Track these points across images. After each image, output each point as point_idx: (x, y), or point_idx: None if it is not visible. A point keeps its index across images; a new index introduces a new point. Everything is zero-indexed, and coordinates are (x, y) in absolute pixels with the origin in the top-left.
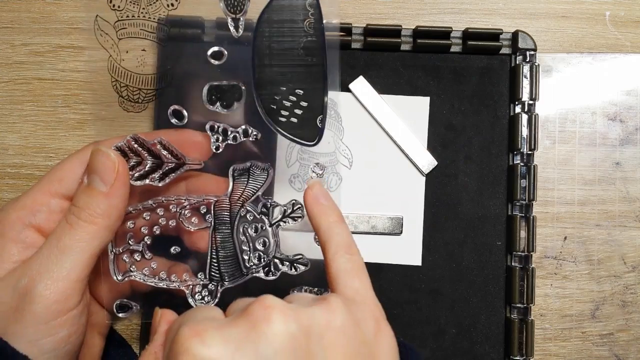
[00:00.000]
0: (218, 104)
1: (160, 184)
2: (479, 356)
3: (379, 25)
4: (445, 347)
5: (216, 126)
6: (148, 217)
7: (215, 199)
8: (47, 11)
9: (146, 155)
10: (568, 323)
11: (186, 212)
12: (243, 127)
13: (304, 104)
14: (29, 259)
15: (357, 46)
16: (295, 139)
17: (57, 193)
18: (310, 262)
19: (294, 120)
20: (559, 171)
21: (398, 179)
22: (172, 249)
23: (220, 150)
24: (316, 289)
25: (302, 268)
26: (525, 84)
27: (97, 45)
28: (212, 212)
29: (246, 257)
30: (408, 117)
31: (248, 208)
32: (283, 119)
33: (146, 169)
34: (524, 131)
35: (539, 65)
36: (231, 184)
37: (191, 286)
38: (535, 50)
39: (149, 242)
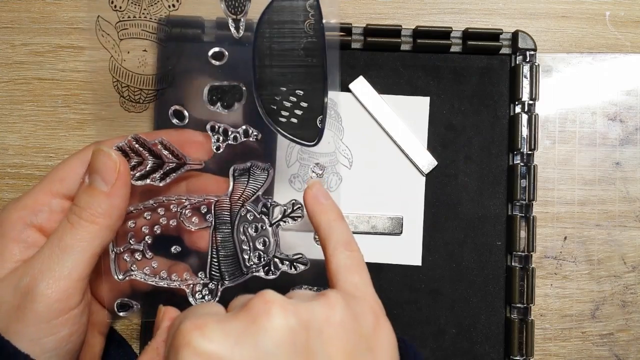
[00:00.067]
0: (219, 104)
1: (161, 184)
2: (479, 356)
3: (379, 25)
4: (445, 347)
5: (217, 126)
6: (149, 217)
7: (216, 199)
8: (47, 11)
9: (147, 155)
10: (568, 323)
11: (187, 211)
12: (243, 127)
13: (304, 104)
14: (30, 258)
15: (357, 46)
16: (295, 139)
17: (58, 193)
18: (310, 262)
19: (294, 120)
20: (559, 171)
21: (398, 179)
22: (172, 249)
23: (221, 150)
24: (315, 287)
25: (301, 267)
26: (525, 84)
27: (98, 45)
28: (213, 211)
29: (246, 257)
30: (408, 117)
31: (248, 208)
32: (283, 120)
33: (147, 168)
34: (524, 131)
35: (539, 65)
36: (232, 183)
37: (192, 285)
38: (535, 50)
39: (149, 242)
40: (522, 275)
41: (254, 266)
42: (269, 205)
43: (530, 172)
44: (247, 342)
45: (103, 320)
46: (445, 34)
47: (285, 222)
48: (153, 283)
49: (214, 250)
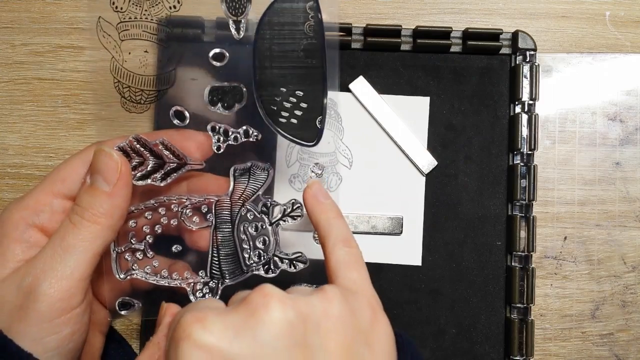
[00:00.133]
0: (219, 105)
1: (162, 184)
2: (479, 356)
3: (379, 25)
4: (445, 347)
5: (217, 127)
6: (150, 217)
7: (217, 199)
8: (47, 11)
9: (148, 155)
10: (568, 323)
11: (188, 211)
12: (244, 127)
13: (303, 105)
14: (32, 258)
15: (357, 46)
16: (295, 139)
17: (60, 193)
18: (309, 262)
19: (294, 121)
20: (559, 171)
21: (398, 179)
22: (173, 248)
23: (222, 150)
24: (315, 285)
25: (301, 266)
26: (525, 84)
27: (98, 45)
28: (214, 211)
29: (246, 255)
30: (408, 117)
31: (248, 207)
32: (283, 120)
33: (148, 169)
34: (524, 131)
35: (539, 65)
36: (232, 183)
37: (192, 284)
38: (535, 50)
39: (150, 241)
40: (522, 275)
41: (254, 265)
42: (269, 204)
43: (530, 172)
44: (245, 335)
45: (103, 319)
46: (445, 34)
47: (285, 221)
48: (154, 282)
49: (214, 249)
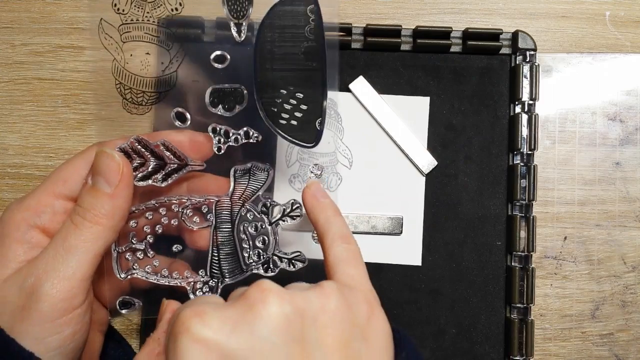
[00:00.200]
0: (220, 106)
1: (162, 185)
2: (479, 356)
3: (379, 25)
4: (445, 347)
5: (218, 128)
6: (150, 217)
7: (217, 199)
8: (47, 11)
9: (149, 156)
10: (568, 323)
11: (188, 211)
12: (244, 129)
13: (303, 107)
14: (34, 259)
15: (357, 46)
16: (294, 140)
17: (61, 194)
18: (308, 262)
19: (294, 122)
20: (559, 171)
21: (398, 179)
22: (174, 247)
23: (222, 151)
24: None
25: (299, 265)
26: (525, 84)
27: (98, 45)
28: (214, 211)
29: (246, 255)
30: (408, 117)
31: (248, 207)
32: (283, 122)
33: (149, 169)
34: (524, 131)
35: (539, 65)
36: (232, 184)
37: (192, 283)
38: (535, 50)
39: (151, 241)
40: (522, 275)
41: (253, 264)
42: (269, 204)
43: (530, 172)
44: (243, 329)
45: (102, 319)
46: (445, 34)
47: (284, 221)
48: (154, 281)
49: (214, 248)
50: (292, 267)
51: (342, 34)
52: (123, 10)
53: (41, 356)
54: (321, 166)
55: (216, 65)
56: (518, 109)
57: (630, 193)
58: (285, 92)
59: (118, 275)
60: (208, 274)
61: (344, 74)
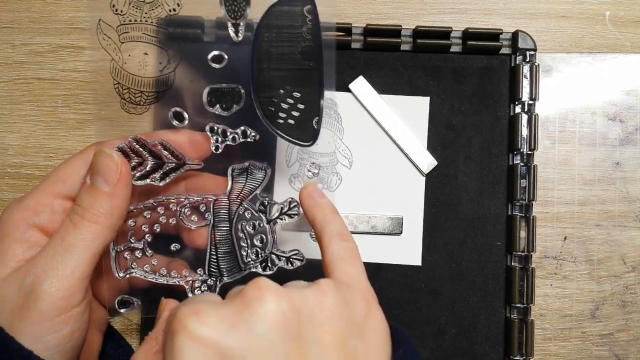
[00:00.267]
0: (218, 106)
1: (160, 184)
2: (479, 356)
3: (379, 25)
4: (445, 347)
5: (216, 127)
6: (149, 216)
7: (215, 198)
8: (47, 11)
9: (147, 155)
10: (568, 323)
11: (186, 210)
12: (242, 128)
13: (301, 106)
14: (33, 258)
15: (357, 46)
16: (292, 139)
17: (60, 194)
18: (306, 261)
19: (291, 121)
20: (559, 171)
21: (398, 179)
22: (172, 246)
23: (220, 150)
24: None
25: (297, 263)
26: (525, 84)
27: (98, 45)
28: (212, 210)
29: (244, 253)
30: (408, 117)
31: (246, 206)
32: (281, 121)
33: (147, 169)
34: (524, 131)
35: (539, 65)
36: (230, 183)
37: (191, 282)
38: (535, 50)
39: (149, 240)
40: (522, 275)
41: (251, 262)
42: (267, 203)
43: (530, 172)
44: (240, 327)
45: (101, 318)
46: (445, 34)
47: (282, 219)
48: (153, 280)
49: (212, 247)
50: (290, 265)
51: (341, 34)
52: (121, 11)
53: (40, 354)
54: (318, 165)
55: (214, 65)
56: (518, 109)
57: (630, 193)
58: (282, 91)
59: (116, 274)
60: (206, 272)
61: (344, 74)
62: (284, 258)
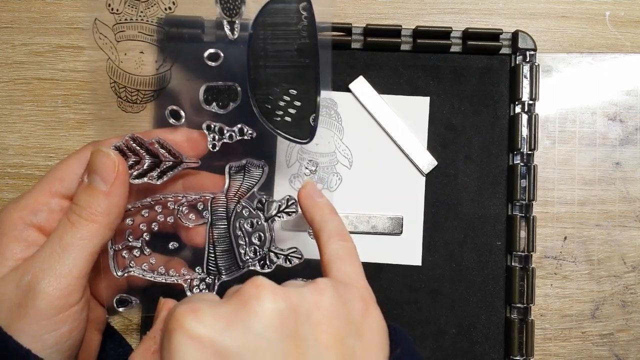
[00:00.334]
0: (214, 104)
1: (158, 182)
2: (479, 356)
3: (379, 25)
4: (445, 347)
5: (212, 125)
6: (146, 214)
7: (212, 196)
8: (47, 11)
9: (144, 154)
10: (568, 323)
11: (184, 208)
12: (239, 126)
13: (297, 103)
14: (31, 257)
15: (357, 46)
16: (288, 137)
17: (57, 193)
18: (305, 260)
19: (288, 119)
20: (559, 171)
21: (398, 179)
22: (170, 245)
23: (217, 148)
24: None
25: (296, 261)
26: (525, 84)
27: (96, 45)
28: (209, 208)
29: (242, 251)
30: (408, 117)
31: (244, 204)
32: (277, 118)
33: (144, 167)
34: (524, 131)
35: (539, 65)
36: (227, 181)
37: (189, 280)
38: (535, 50)
39: (147, 239)
40: (522, 275)
41: (250, 260)
42: (264, 201)
43: (530, 172)
44: (237, 325)
45: (100, 317)
46: (445, 34)
47: (280, 217)
48: (151, 279)
49: (210, 245)
50: (288, 263)
51: (341, 33)
52: (117, 10)
53: (38, 353)
54: (315, 162)
55: (210, 63)
56: (518, 109)
57: (630, 193)
58: (278, 89)
59: (115, 273)
60: (205, 271)
61: (344, 74)
62: (282, 256)
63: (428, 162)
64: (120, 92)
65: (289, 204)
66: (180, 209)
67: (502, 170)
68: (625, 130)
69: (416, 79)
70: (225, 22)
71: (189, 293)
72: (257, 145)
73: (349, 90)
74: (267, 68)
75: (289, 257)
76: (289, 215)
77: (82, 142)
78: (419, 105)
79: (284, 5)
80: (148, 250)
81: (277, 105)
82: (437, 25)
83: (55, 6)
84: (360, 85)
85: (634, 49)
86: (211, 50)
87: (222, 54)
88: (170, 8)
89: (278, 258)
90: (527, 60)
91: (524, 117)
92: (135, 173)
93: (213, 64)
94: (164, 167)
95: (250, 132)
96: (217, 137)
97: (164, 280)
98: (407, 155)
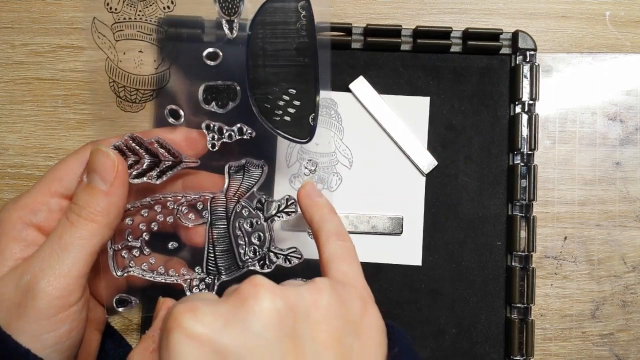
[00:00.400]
0: (213, 103)
1: (157, 182)
2: (479, 356)
3: (379, 25)
4: (445, 347)
5: (212, 125)
6: (146, 214)
7: (212, 196)
8: (47, 11)
9: (144, 153)
10: (568, 323)
11: (183, 208)
12: (238, 125)
13: (296, 103)
14: (30, 257)
15: (357, 46)
16: (288, 136)
17: (57, 192)
18: (304, 260)
19: (287, 118)
20: (559, 171)
21: (398, 179)
22: (169, 245)
23: (216, 148)
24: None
25: (295, 261)
26: (525, 84)
27: (96, 46)
28: (209, 208)
29: (242, 251)
30: (408, 117)
31: (243, 204)
32: (277, 118)
33: (144, 167)
34: (524, 131)
35: (539, 65)
36: (227, 180)
37: (189, 280)
38: (535, 50)
39: (147, 238)
40: (522, 275)
41: (249, 260)
42: (264, 201)
43: (530, 172)
44: (235, 324)
45: (99, 317)
46: (445, 34)
47: (279, 217)
48: (151, 279)
49: (210, 245)
50: (288, 263)
51: (341, 33)
52: (115, 9)
53: (37, 353)
54: (315, 161)
55: (209, 62)
56: (518, 109)
57: (630, 193)
58: (277, 88)
59: (114, 273)
60: (204, 271)
61: (343, 74)
62: (281, 256)
63: (428, 162)
64: (120, 92)
65: (289, 203)
66: (180, 208)
67: (502, 170)
68: (626, 130)
69: (416, 79)
70: (224, 21)
71: (188, 293)
72: (257, 145)
73: (349, 90)
74: (266, 67)
75: (289, 257)
76: (289, 215)
77: (82, 142)
78: (419, 105)
79: (282, 4)
80: (147, 250)
81: (277, 105)
82: (437, 25)
83: (56, 6)
84: (361, 85)
85: (634, 49)
86: (210, 50)
87: (221, 53)
88: (168, 7)
89: (277, 258)
90: (527, 60)
91: (524, 117)
92: (134, 172)
93: (212, 63)
94: (163, 166)
95: (249, 131)
96: (216, 136)
97: (163, 280)
98: (407, 155)
